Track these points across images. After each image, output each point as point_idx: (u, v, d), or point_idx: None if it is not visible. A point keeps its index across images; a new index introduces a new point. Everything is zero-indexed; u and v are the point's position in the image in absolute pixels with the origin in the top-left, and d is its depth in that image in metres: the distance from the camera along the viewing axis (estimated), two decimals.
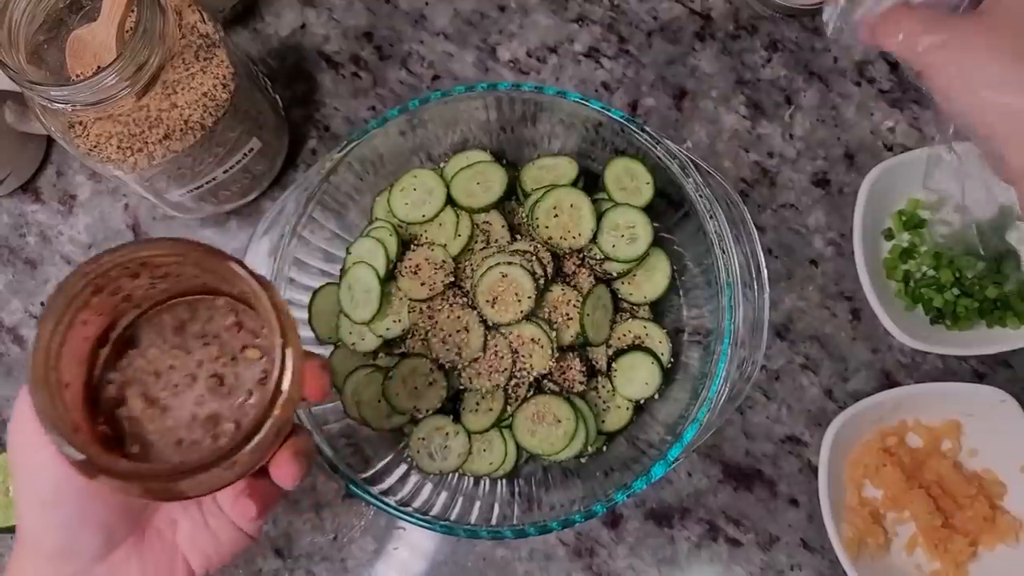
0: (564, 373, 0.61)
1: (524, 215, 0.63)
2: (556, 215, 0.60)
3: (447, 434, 0.61)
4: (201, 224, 0.74)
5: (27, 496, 0.38)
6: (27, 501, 0.38)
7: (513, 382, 0.60)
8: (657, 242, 0.62)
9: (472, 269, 0.61)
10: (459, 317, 0.59)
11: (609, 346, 0.63)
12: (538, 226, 0.60)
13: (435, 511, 0.58)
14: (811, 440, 0.69)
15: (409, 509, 0.56)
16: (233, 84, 0.59)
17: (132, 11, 0.55)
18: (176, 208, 0.67)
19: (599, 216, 0.60)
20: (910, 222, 0.69)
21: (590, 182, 0.65)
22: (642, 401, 0.62)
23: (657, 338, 0.62)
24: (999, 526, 0.65)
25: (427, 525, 0.55)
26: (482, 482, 0.63)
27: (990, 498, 0.66)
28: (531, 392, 0.60)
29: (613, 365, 0.62)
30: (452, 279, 0.61)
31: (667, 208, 0.62)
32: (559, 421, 0.59)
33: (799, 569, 0.67)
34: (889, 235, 0.70)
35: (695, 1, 0.74)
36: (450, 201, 0.62)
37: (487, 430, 0.60)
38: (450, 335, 0.59)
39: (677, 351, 0.63)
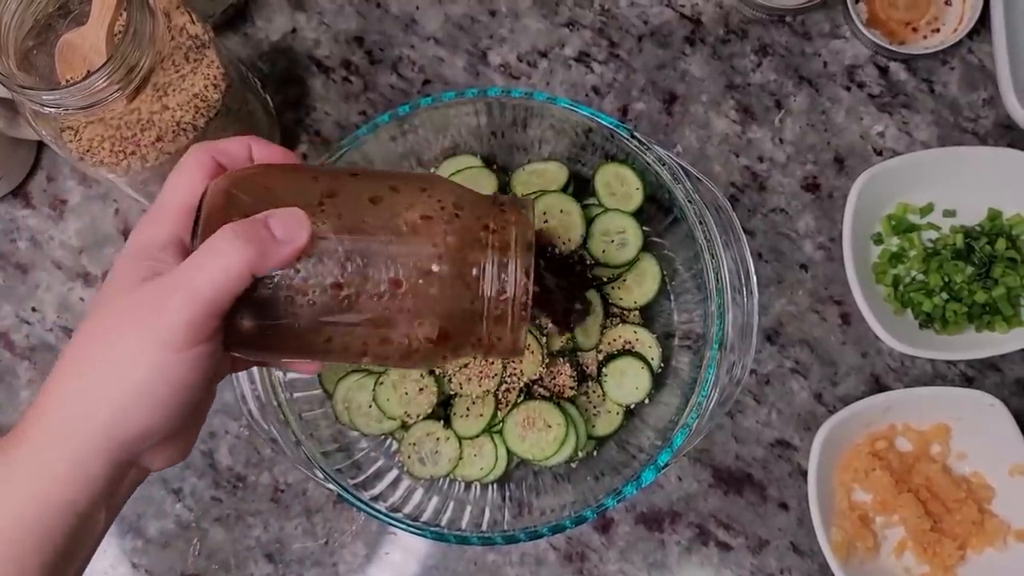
0: (554, 378, 0.61)
1: None
2: (546, 220, 0.60)
3: (438, 439, 0.61)
4: None
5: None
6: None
7: (503, 387, 0.60)
8: (647, 247, 0.62)
9: None
10: None
11: (599, 351, 0.63)
12: None
13: (426, 516, 0.58)
14: (801, 444, 0.69)
15: (400, 515, 0.56)
16: (224, 85, 0.59)
17: (121, 14, 0.55)
18: None
19: (589, 221, 0.61)
20: (899, 226, 0.70)
21: (580, 187, 0.65)
22: (632, 406, 0.62)
23: (647, 343, 0.62)
24: (987, 530, 0.65)
25: (418, 531, 0.55)
26: (473, 487, 0.64)
27: (978, 502, 0.66)
28: (521, 397, 0.60)
29: (603, 370, 0.62)
30: None
31: (657, 213, 0.63)
32: (549, 426, 0.59)
33: (789, 573, 0.68)
34: (878, 239, 0.71)
35: (685, 5, 0.75)
36: None
37: (478, 435, 0.60)
38: None
39: (667, 356, 0.63)
